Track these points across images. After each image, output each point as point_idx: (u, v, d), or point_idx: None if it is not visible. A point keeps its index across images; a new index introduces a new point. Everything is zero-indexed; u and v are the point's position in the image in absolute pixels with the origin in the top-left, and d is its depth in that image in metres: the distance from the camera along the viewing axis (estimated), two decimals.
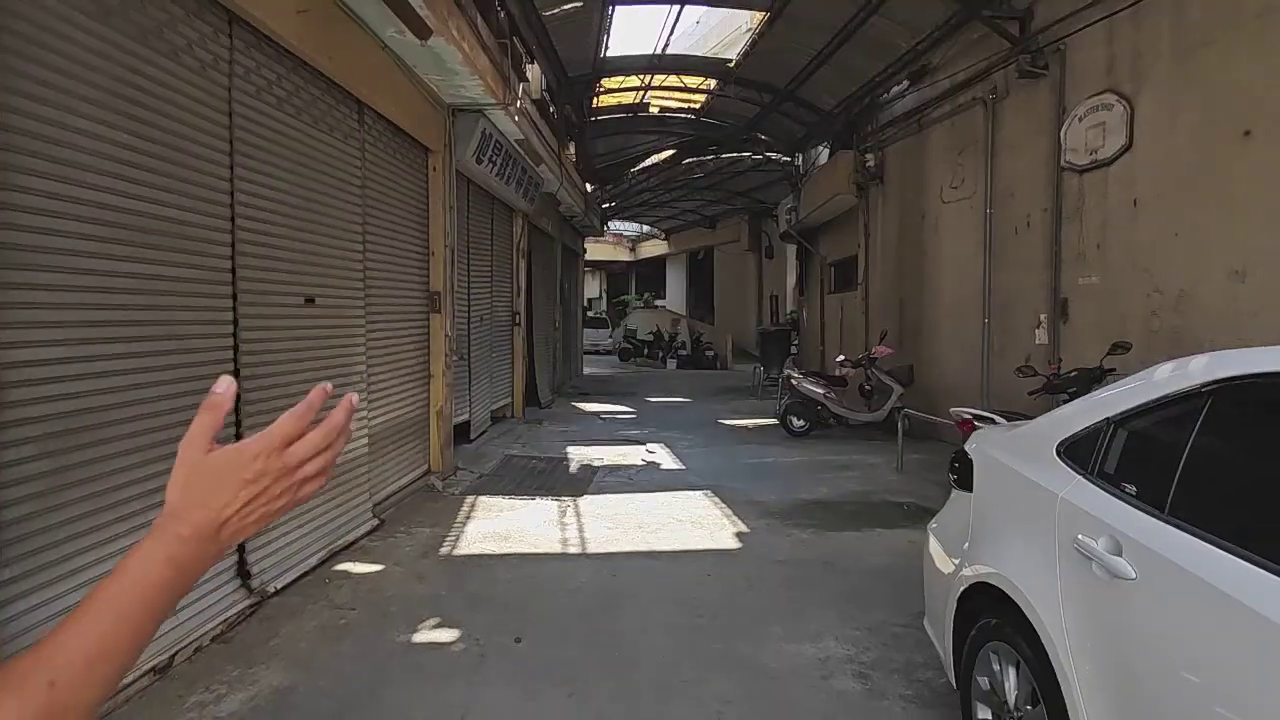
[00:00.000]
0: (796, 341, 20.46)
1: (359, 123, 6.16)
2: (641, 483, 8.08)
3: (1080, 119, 7.66)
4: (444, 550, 5.67)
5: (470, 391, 9.61)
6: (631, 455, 9.67)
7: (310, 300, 5.38)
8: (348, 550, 5.62)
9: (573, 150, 15.80)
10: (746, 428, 12.15)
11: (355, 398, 0.75)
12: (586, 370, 22.59)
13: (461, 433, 9.53)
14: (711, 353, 25.90)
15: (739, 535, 6.09)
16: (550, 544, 5.86)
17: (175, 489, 0.69)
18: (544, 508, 6.98)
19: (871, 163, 12.67)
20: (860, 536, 6.07)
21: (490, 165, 9.08)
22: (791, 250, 25.65)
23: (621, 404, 15.00)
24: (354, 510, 5.91)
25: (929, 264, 10.88)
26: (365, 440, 6.17)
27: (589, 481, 8.13)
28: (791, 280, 26.64)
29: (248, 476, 0.69)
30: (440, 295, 7.94)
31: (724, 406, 14.90)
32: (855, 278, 14.46)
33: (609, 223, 27.91)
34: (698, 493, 7.56)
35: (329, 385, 0.74)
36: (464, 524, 6.42)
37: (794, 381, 10.97)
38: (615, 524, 6.39)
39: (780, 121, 15.66)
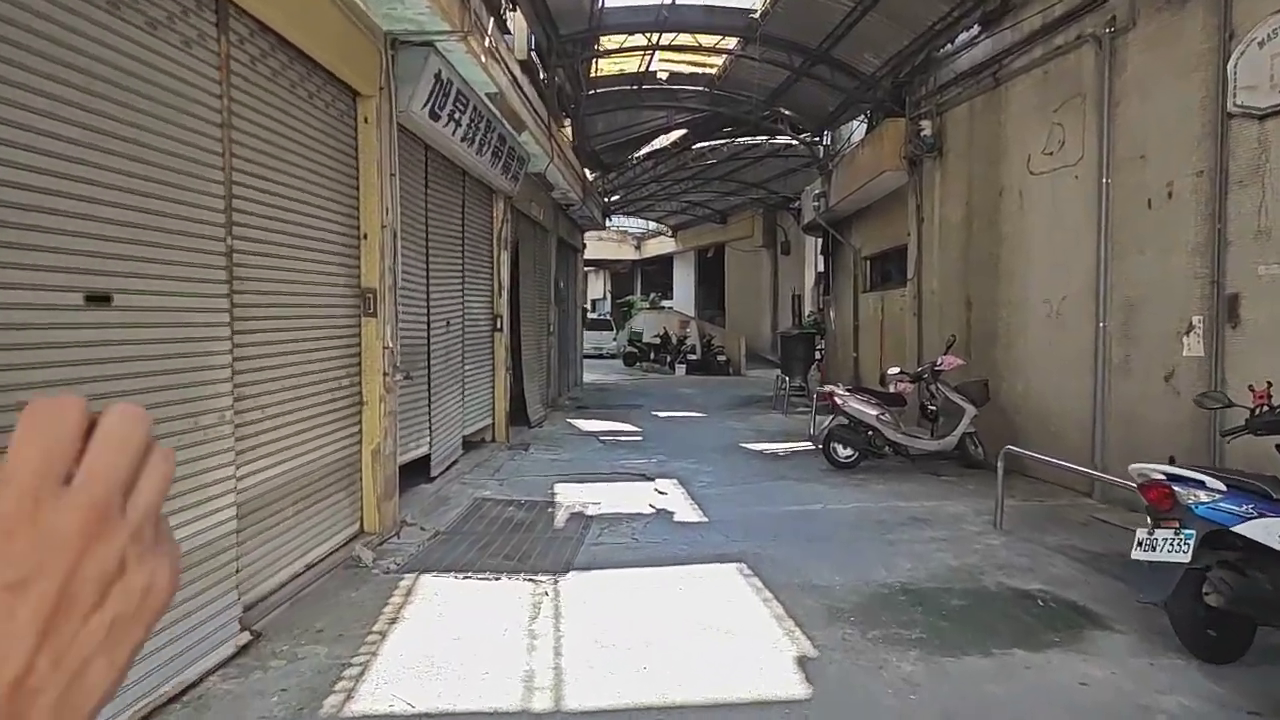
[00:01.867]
0: (821, 346, 18.30)
1: (218, 27, 4.03)
2: (649, 548, 5.93)
3: (1261, 43, 5.48)
4: (331, 702, 3.52)
5: (430, 417, 7.47)
6: (636, 497, 7.52)
7: (101, 299, 3.25)
8: (180, 699, 3.48)
9: (569, 129, 13.69)
10: (777, 454, 9.99)
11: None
12: (587, 377, 20.45)
13: (421, 469, 7.41)
14: (723, 357, 23.73)
15: (803, 664, 3.92)
16: (503, 686, 3.70)
17: None
18: (508, 598, 4.82)
19: (928, 131, 10.49)
20: (997, 669, 3.89)
21: (452, 125, 6.94)
22: (811, 245, 23.55)
23: (625, 421, 12.84)
24: (204, 622, 3.77)
25: (1009, 252, 8.69)
26: (230, 510, 4.03)
27: (578, 543, 5.98)
28: (811, 278, 24.53)
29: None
30: (376, 294, 5.80)
31: (745, 424, 12.73)
32: (901, 272, 12.29)
33: (611, 217, 25.75)
34: (728, 567, 5.40)
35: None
36: (385, 633, 4.27)
37: (838, 400, 8.80)
38: (609, 639, 4.22)
39: (809, 91, 13.49)
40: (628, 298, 38.93)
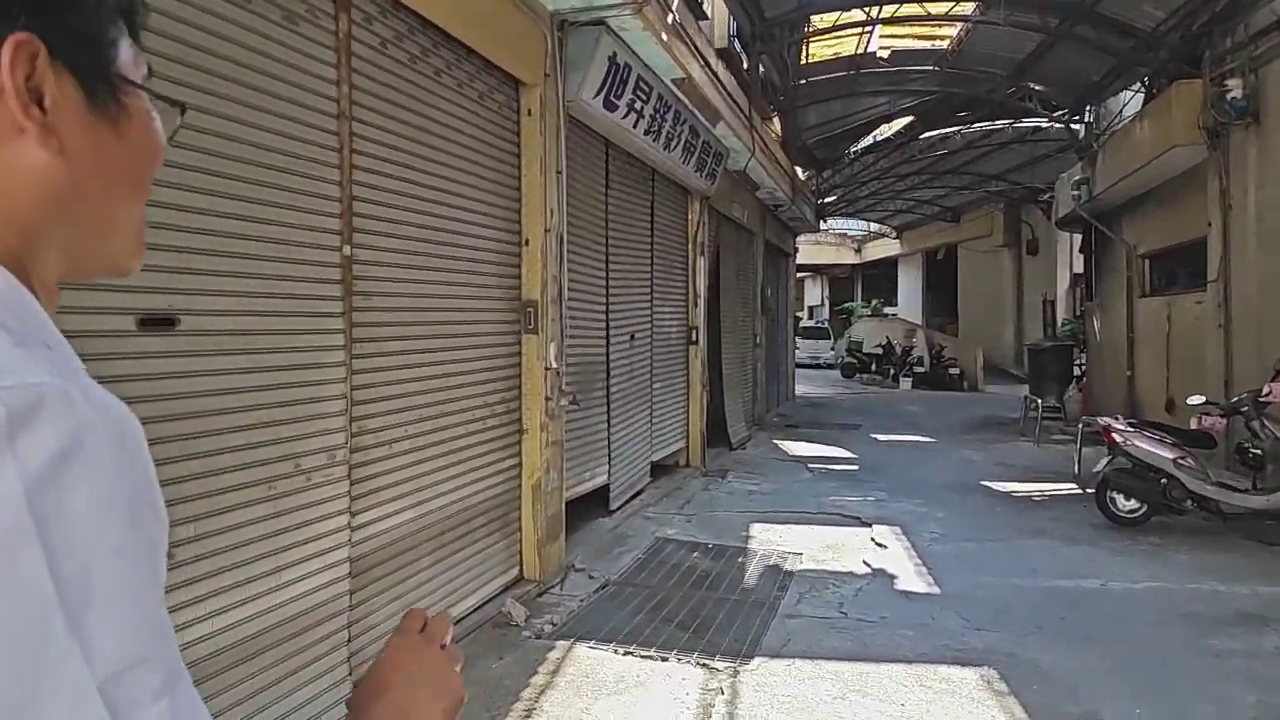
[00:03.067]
0: (1081, 362, 15.57)
1: (335, 3, 3.43)
2: (861, 629, 4.66)
3: None
4: None
5: (610, 443, 6.69)
6: (848, 548, 6.23)
7: (163, 322, 2.67)
8: None
9: (776, 123, 12.54)
10: (1030, 499, 8.16)
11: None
12: (800, 390, 19.06)
13: (599, 500, 6.65)
14: (956, 370, 21.20)
15: None
16: None
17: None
18: (672, 693, 3.81)
19: (1237, 92, 8.16)
20: None
21: (632, 115, 6.11)
22: (1065, 243, 20.48)
23: (839, 445, 11.41)
24: (302, 705, 3.13)
25: None
26: (341, 567, 3.39)
27: (770, 611, 4.85)
28: (1065, 280, 21.31)
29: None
30: (537, 307, 5.08)
31: (984, 454, 10.81)
32: (1194, 273, 9.82)
33: (826, 219, 24.08)
34: (971, 675, 4.01)
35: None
36: None
37: (1119, 437, 6.89)
38: None
39: (1066, 59, 11.27)
40: (847, 304, 36.81)
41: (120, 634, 0.45)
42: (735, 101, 8.29)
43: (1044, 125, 16.45)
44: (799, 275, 41.88)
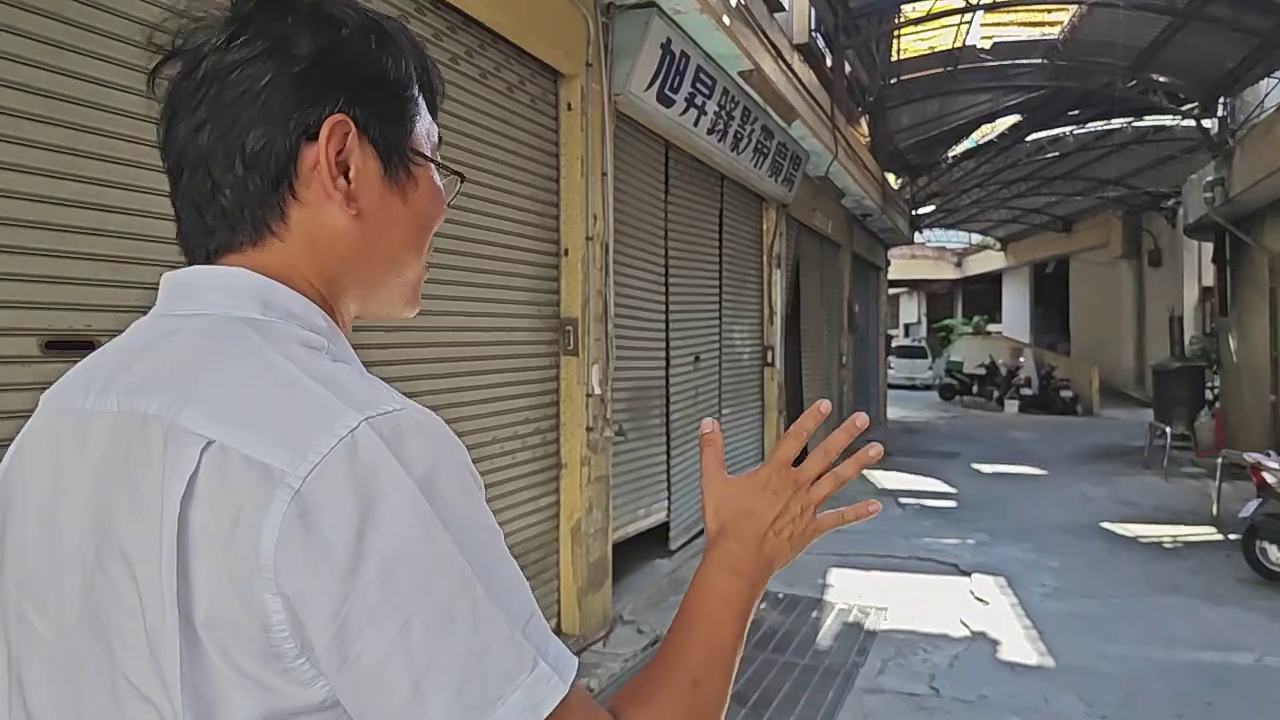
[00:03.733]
0: (1214, 385, 13.94)
1: None
2: (956, 708, 3.85)
3: None
4: None
5: (669, 475, 6.04)
6: (942, 603, 5.38)
7: (78, 345, 2.21)
8: None
9: (865, 127, 11.72)
10: (1160, 545, 7.04)
11: (862, 418, 0.79)
12: (895, 413, 17.90)
13: (659, 540, 6.01)
14: (1068, 393, 19.48)
15: None
16: None
17: (711, 518, 0.77)
18: None
19: None
20: None
21: (693, 111, 5.51)
22: (1194, 252, 18.66)
23: (935, 476, 10.38)
24: None
25: None
26: None
27: (847, 683, 4.09)
28: (1192, 293, 19.37)
29: (767, 492, 0.76)
30: (577, 325, 4.51)
31: (1104, 489, 9.60)
32: None
33: (921, 231, 22.79)
34: None
35: (825, 404, 0.79)
36: None
37: (1270, 477, 5.79)
38: None
39: (1197, 44, 10.02)
40: (945, 321, 34.99)
41: (515, 596, 0.54)
42: (815, 100, 7.57)
43: (1168, 124, 14.95)
44: (893, 291, 40.35)
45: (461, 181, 0.77)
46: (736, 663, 0.71)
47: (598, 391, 4.57)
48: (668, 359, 5.99)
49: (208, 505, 0.50)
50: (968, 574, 6.08)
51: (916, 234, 20.53)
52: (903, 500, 8.83)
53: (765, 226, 8.19)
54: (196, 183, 0.62)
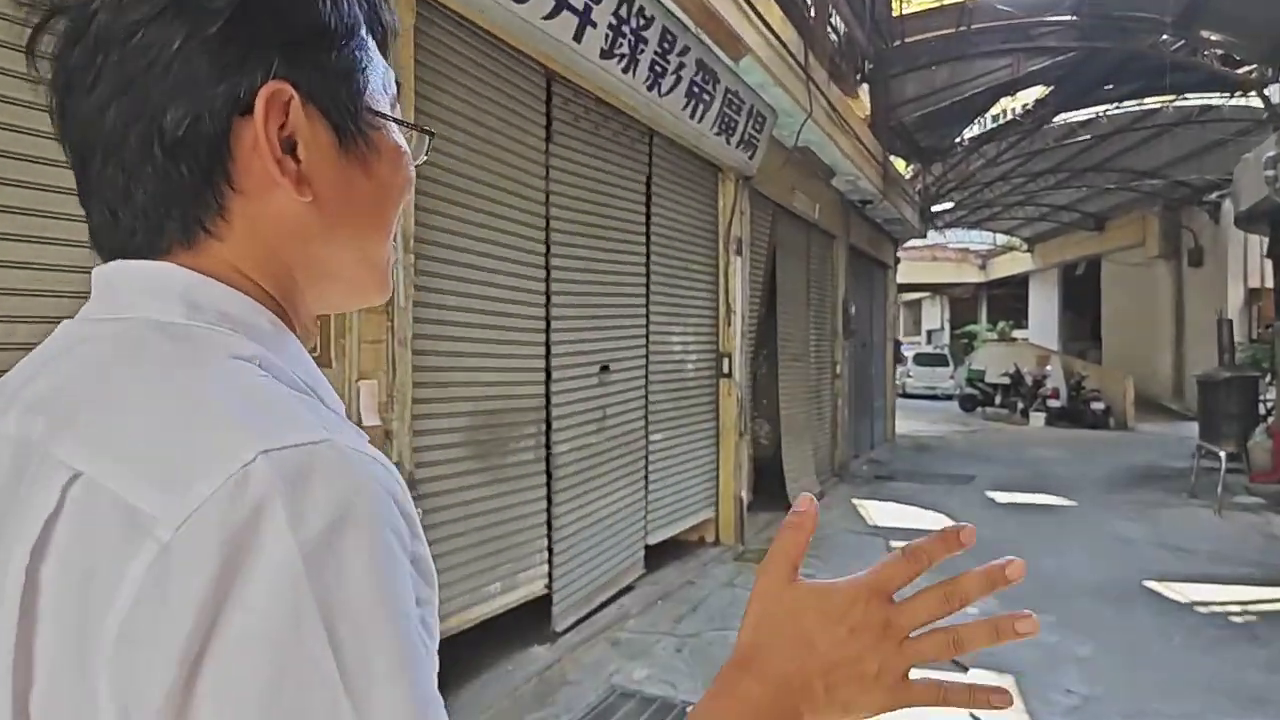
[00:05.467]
0: (1269, 398, 12.09)
1: None
2: None
3: None
4: None
5: (550, 531, 4.42)
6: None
7: None
8: None
9: (865, 99, 10.07)
10: (1227, 617, 5.30)
11: (1016, 567, 0.54)
12: (906, 427, 16.14)
13: (540, 617, 4.40)
14: (1100, 405, 17.60)
15: None
16: None
17: (747, 629, 0.56)
18: None
19: None
20: None
21: (562, 10, 3.90)
22: (1239, 249, 16.77)
23: (940, 508, 8.65)
24: None
25: None
26: None
27: None
28: (1239, 294, 17.42)
29: (842, 626, 0.53)
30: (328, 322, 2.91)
31: (1145, 527, 7.82)
32: None
33: (941, 230, 20.99)
34: None
35: (968, 531, 0.54)
36: None
37: None
38: None
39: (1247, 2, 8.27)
40: (969, 327, 33.10)
41: (400, 717, 0.41)
42: (778, 38, 5.92)
43: (1216, 103, 13.11)
44: (915, 296, 38.49)
45: (431, 138, 0.62)
46: None
47: (374, 422, 2.97)
48: (548, 369, 4.37)
49: (59, 558, 0.40)
50: (965, 669, 4.40)
51: (937, 234, 18.76)
52: (895, 543, 7.12)
53: (721, 203, 6.57)
54: (107, 176, 0.49)
